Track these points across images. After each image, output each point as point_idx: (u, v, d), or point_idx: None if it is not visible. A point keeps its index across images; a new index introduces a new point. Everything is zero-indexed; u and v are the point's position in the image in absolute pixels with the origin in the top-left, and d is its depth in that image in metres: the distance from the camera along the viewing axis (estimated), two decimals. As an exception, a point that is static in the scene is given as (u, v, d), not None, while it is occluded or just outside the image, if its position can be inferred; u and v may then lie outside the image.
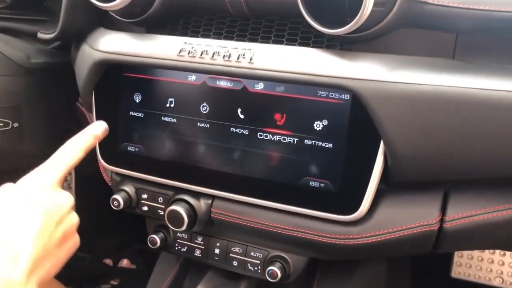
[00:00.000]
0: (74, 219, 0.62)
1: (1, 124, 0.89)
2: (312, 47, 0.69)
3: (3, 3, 1.03)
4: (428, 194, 0.69)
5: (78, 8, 0.81)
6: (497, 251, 1.39)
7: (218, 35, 0.75)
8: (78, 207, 1.59)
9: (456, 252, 1.43)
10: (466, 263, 1.43)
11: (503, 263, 1.39)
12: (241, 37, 0.74)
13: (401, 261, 1.28)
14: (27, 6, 1.04)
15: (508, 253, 1.38)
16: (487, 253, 1.40)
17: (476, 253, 1.41)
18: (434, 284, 1.48)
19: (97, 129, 0.68)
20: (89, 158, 1.19)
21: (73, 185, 1.76)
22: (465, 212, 0.67)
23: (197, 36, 0.76)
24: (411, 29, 0.66)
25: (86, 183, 1.71)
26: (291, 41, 0.71)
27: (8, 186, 0.59)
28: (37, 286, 0.55)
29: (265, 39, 0.72)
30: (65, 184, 1.78)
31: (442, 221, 0.68)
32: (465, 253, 1.43)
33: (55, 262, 0.58)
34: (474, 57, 0.65)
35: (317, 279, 0.94)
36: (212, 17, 0.77)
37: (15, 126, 0.91)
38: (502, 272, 1.40)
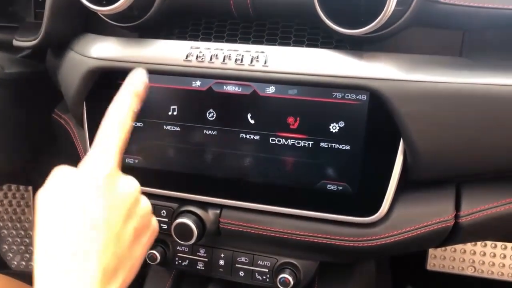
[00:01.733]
0: (144, 206, 0.53)
1: (-25, 141, 0.81)
2: (321, 48, 0.68)
3: (-37, 10, 0.95)
4: (441, 190, 0.70)
5: (63, 12, 0.76)
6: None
7: (220, 39, 0.73)
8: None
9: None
10: (440, 255, 1.48)
11: (474, 253, 1.45)
12: (244, 40, 0.72)
13: (383, 258, 1.30)
14: (-10, 13, 0.96)
15: (478, 243, 1.44)
16: (459, 244, 1.46)
17: (449, 244, 1.47)
18: (411, 278, 1.51)
19: (136, 84, 0.55)
20: (45, 175, 1.12)
21: (31, 203, 1.66)
22: (478, 207, 0.69)
23: (197, 40, 0.73)
24: (419, 28, 0.67)
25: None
26: (298, 43, 0.70)
27: (68, 173, 0.50)
28: None
29: (271, 42, 0.71)
30: (22, 202, 1.68)
31: (457, 216, 0.69)
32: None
33: (131, 264, 0.50)
34: (480, 54, 0.67)
35: (317, 280, 0.93)
36: (212, 20, 0.74)
37: (-11, 142, 0.84)
38: (473, 261, 1.46)
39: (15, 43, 0.83)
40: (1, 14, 0.97)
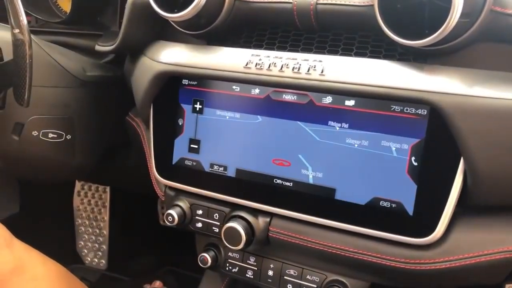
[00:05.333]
0: None
1: (55, 136, 0.88)
2: (383, 59, 0.66)
3: (58, 18, 1.05)
4: (506, 217, 0.65)
5: (139, 20, 0.81)
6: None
7: (282, 49, 0.74)
8: (111, 226, 1.58)
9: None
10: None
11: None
12: (306, 51, 0.72)
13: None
14: (82, 21, 1.06)
15: None
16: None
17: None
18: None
19: None
20: (118, 174, 1.18)
21: (107, 204, 1.76)
22: (550, 239, 0.63)
23: (261, 49, 0.74)
24: (490, 43, 0.63)
25: (119, 203, 1.71)
26: (360, 55, 0.69)
27: None
28: None
29: (333, 53, 0.70)
30: (99, 202, 1.78)
31: None
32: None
33: None
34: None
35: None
36: (276, 30, 0.75)
37: (68, 138, 0.91)
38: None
39: (97, 48, 0.90)
40: (90, 23, 1.06)
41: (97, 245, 1.76)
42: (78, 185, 1.78)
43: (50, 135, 0.88)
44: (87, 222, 1.77)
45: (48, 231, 1.59)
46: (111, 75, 0.98)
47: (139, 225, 1.75)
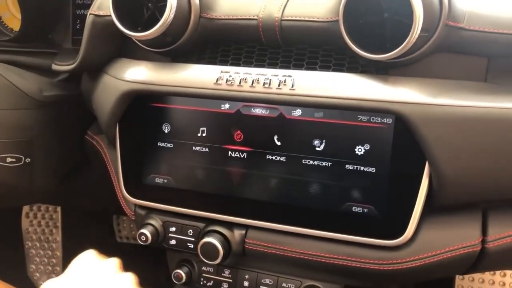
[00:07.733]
0: None
1: (14, 160, 0.85)
2: (347, 72, 0.70)
3: (6, 36, 1.01)
4: (467, 214, 0.69)
5: (100, 39, 0.80)
6: (497, 272, 1.41)
7: (248, 64, 0.75)
8: (65, 247, 1.52)
9: (457, 275, 1.45)
10: (468, 285, 1.44)
11: (504, 284, 1.41)
12: (272, 65, 0.74)
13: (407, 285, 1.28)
14: (32, 39, 1.02)
15: (508, 273, 1.40)
16: (487, 275, 1.42)
17: (477, 275, 1.43)
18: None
19: None
20: (75, 194, 1.15)
21: (59, 224, 1.69)
22: (506, 232, 0.68)
23: (226, 65, 0.76)
24: (444, 54, 0.68)
25: (72, 222, 1.65)
26: (325, 68, 0.72)
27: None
28: None
29: (297, 67, 0.73)
30: (50, 223, 1.71)
31: (483, 241, 0.68)
32: (466, 275, 1.44)
33: None
34: (506, 80, 0.67)
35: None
36: (241, 46, 0.77)
37: (27, 161, 0.87)
38: (503, 294, 1.42)
39: (54, 67, 0.87)
40: (42, 41, 1.02)
41: (50, 268, 1.69)
42: (25, 206, 1.70)
43: (8, 160, 0.84)
44: (38, 245, 1.69)
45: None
46: (69, 94, 0.96)
47: (94, 243, 1.70)
